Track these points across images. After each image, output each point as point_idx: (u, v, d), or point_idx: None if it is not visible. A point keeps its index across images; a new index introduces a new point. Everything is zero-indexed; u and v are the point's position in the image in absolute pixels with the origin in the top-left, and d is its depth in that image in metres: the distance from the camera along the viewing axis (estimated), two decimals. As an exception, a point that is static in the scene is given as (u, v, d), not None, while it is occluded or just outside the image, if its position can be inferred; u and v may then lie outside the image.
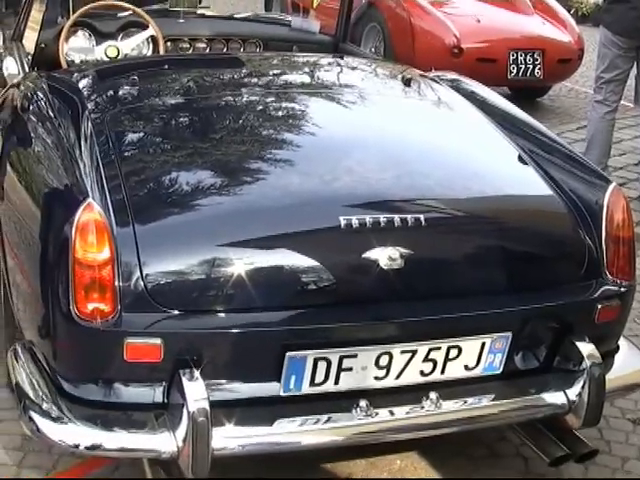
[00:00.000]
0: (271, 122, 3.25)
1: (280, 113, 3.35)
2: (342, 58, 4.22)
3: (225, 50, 4.85)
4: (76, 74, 3.73)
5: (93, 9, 4.52)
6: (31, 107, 3.36)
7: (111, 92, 3.48)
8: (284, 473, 2.92)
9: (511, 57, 7.96)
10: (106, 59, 4.44)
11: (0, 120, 3.60)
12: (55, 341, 2.54)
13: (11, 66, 4.17)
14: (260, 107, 3.39)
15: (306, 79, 3.85)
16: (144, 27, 4.56)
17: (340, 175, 2.89)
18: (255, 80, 3.78)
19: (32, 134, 3.18)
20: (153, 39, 4.56)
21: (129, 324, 2.41)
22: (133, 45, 4.56)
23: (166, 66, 3.94)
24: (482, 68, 7.62)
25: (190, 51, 4.83)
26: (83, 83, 3.51)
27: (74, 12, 4.52)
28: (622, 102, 7.69)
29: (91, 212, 2.42)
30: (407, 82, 3.66)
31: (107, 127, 3.00)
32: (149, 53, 4.61)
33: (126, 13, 4.66)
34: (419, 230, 2.65)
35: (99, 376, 2.49)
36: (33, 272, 2.68)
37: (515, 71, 8.01)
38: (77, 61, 4.45)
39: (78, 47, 4.50)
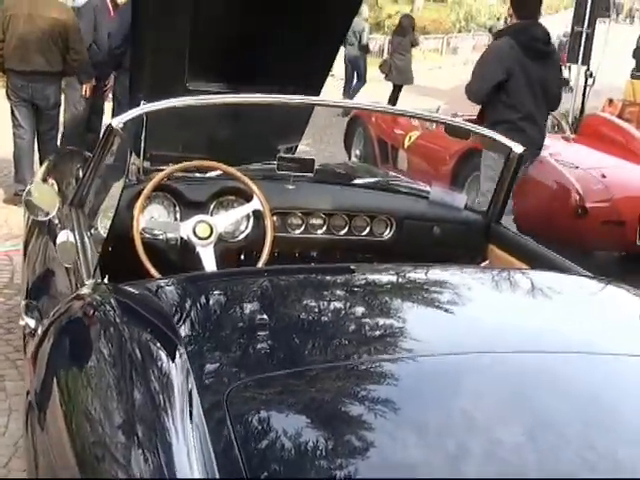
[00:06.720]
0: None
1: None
2: (511, 275, 2.95)
3: (347, 229, 3.90)
4: (155, 288, 2.64)
5: (180, 170, 3.60)
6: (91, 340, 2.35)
7: (200, 328, 2.41)
8: None
9: (642, 220, 6.77)
10: (195, 240, 3.42)
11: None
12: None
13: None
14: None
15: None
16: (245, 195, 3.61)
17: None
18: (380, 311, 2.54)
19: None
20: (255, 213, 3.62)
21: None
22: (232, 220, 3.59)
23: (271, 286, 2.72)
24: (608, 232, 6.64)
25: (302, 228, 3.83)
26: (164, 307, 2.46)
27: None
28: None
29: None
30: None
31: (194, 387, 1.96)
32: (249, 230, 3.68)
33: (217, 172, 3.74)
34: None
35: None
36: None
37: (646, 236, 6.81)
38: (157, 241, 3.50)
39: (158, 222, 3.53)
